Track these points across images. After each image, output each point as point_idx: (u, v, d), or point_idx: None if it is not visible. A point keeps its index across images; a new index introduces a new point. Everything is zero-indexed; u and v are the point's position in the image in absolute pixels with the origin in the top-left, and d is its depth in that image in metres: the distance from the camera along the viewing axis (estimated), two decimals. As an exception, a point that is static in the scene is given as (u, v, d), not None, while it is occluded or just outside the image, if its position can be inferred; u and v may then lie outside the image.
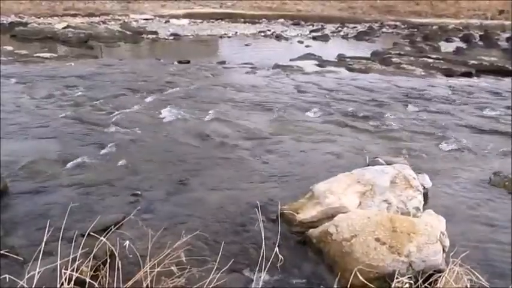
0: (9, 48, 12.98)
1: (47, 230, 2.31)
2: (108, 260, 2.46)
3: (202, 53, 14.84)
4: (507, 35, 18.72)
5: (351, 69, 10.95)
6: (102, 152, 4.57)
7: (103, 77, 8.90)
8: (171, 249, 2.45)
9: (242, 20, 25.77)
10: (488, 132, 5.64)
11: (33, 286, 2.11)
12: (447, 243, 2.64)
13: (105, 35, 16.98)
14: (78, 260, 2.26)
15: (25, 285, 2.13)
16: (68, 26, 17.94)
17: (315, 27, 23.23)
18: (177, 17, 25.41)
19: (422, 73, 10.46)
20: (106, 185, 3.77)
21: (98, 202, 3.46)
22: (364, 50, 15.13)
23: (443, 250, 2.59)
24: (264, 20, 26.02)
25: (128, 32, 18.31)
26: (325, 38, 19.54)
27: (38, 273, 2.13)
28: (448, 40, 18.30)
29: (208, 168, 4.25)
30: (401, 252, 2.46)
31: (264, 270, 2.43)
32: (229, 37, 20.10)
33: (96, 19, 23.46)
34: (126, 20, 23.30)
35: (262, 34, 20.89)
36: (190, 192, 3.69)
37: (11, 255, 2.58)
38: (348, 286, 2.39)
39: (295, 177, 4.05)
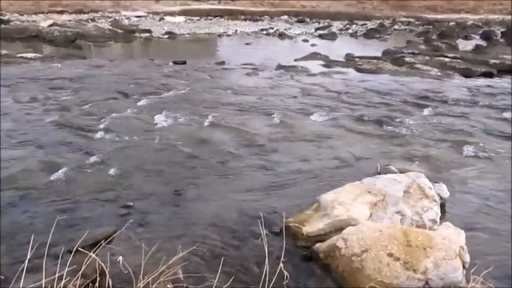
0: (-10, 48, 13.13)
1: (31, 245, 2.32)
2: (98, 278, 2.46)
3: (200, 53, 14.94)
4: (531, 31, 18.79)
5: (360, 70, 11.00)
6: (91, 160, 4.60)
7: (92, 79, 8.96)
8: (166, 265, 2.46)
9: (242, 17, 25.97)
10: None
11: (17, 306, 2.11)
12: (467, 258, 2.64)
13: (94, 34, 17.13)
14: (65, 279, 2.27)
15: (8, 306, 2.14)
16: (54, 24, 18.11)
17: (321, 25, 23.39)
18: (172, 14, 25.62)
19: (439, 74, 10.50)
20: (95, 196, 3.78)
21: (87, 215, 3.47)
22: (374, 49, 15.20)
23: (463, 266, 2.58)
24: (266, 17, 26.21)
25: (119, 31, 18.47)
26: (332, 36, 19.66)
27: (22, 292, 2.13)
28: (466, 37, 18.39)
29: (206, 177, 4.27)
30: (417, 268, 2.46)
31: (268, 288, 2.44)
32: (228, 36, 20.23)
33: (85, 16, 23.69)
34: (117, 18, 23.52)
35: (264, 32, 21.02)
36: (187, 204, 3.71)
37: (-8, 272, 2.59)
38: (359, 305, 2.38)
39: (301, 186, 4.06)
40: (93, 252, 2.49)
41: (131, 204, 3.65)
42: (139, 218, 3.41)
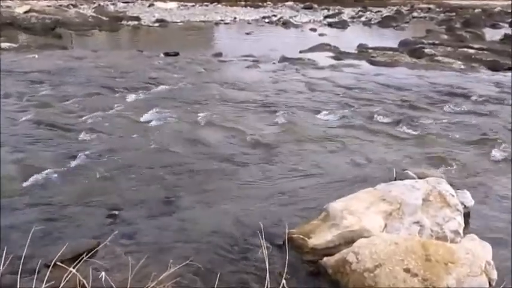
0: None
1: (3, 258, 2.32)
2: (79, 296, 2.47)
3: (194, 44, 14.98)
4: None
5: (374, 63, 11.01)
6: (73, 163, 4.61)
7: (74, 72, 8.99)
8: (156, 282, 2.46)
9: (242, 3, 26.04)
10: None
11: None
12: (494, 275, 2.63)
13: (76, 21, 17.20)
14: (42, 296, 2.27)
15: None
16: (30, 10, 18.16)
17: (330, 12, 23.46)
18: (163, -1, 25.71)
19: (462, 67, 10.51)
20: (77, 204, 3.79)
21: (67, 225, 3.47)
22: (390, 39, 15.23)
23: (490, 284, 2.58)
24: (268, 3, 26.27)
25: (103, 18, 18.54)
26: (342, 25, 19.72)
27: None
28: (493, 26, 18.42)
29: (200, 183, 4.27)
30: (438, 286, 2.46)
31: (269, 307, 2.43)
32: (226, 24, 20.28)
33: (66, 2, 23.77)
34: (101, 3, 23.61)
35: (267, 20, 21.07)
36: (179, 212, 3.71)
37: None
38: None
39: (306, 194, 4.07)
40: (74, 267, 2.49)
41: (117, 213, 3.65)
42: (125, 229, 3.41)
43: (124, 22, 18.72)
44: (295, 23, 20.29)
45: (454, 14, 22.47)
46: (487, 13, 22.05)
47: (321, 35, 16.66)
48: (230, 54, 11.98)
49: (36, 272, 2.43)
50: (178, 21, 19.88)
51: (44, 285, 2.31)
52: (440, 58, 11.35)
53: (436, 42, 13.57)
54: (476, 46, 12.62)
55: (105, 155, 4.86)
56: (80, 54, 11.18)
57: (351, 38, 15.26)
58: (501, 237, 3.39)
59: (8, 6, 19.77)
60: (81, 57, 10.83)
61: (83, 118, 6.08)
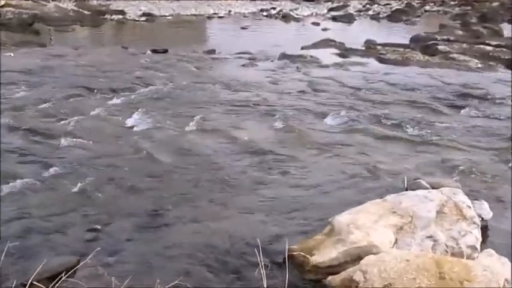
0: None
1: (-25, 278, 2.32)
2: (57, 319, 2.46)
3: (185, 40, 15.00)
4: None
5: (383, 61, 11.05)
6: (51, 172, 4.60)
7: (52, 71, 8.98)
8: (141, 304, 2.46)
9: (238, -6, 26.14)
10: None
11: None
12: (514, 294, 2.64)
13: (56, 16, 17.22)
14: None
15: None
16: (6, 5, 18.18)
17: (335, 4, 23.59)
18: (151, -9, 25.77)
19: (479, 65, 10.55)
20: (55, 217, 3.78)
21: (45, 240, 3.46)
22: (400, 35, 15.30)
23: (509, 304, 2.59)
24: (267, -6, 26.39)
25: (85, 12, 18.57)
26: (348, 19, 19.82)
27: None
28: (512, 21, 18.51)
29: (191, 194, 4.27)
30: (452, 307, 2.46)
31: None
32: (220, 18, 20.34)
33: (44, -5, 23.80)
34: (83, -4, 23.64)
35: (265, 13, 21.17)
36: (168, 227, 3.71)
37: None
38: None
39: (308, 205, 4.07)
40: (52, 287, 2.49)
41: (99, 227, 3.64)
42: (108, 245, 3.40)
43: (107, 16, 18.75)
44: (296, 16, 20.38)
45: (469, 7, 22.60)
46: (505, 7, 22.16)
47: (324, 29, 16.72)
48: (224, 51, 12.00)
49: (11, 292, 2.43)
50: (166, 14, 19.93)
51: (18, 308, 2.30)
52: (455, 56, 11.40)
53: (451, 38, 13.63)
54: (493, 43, 12.67)
55: (86, 163, 4.86)
56: (59, 52, 11.17)
57: (357, 33, 15.33)
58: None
59: (-20, 0, 19.79)
60: (61, 55, 10.82)
61: (62, 122, 6.07)
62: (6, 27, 15.60)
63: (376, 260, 2.78)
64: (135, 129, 5.95)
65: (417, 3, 24.26)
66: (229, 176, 4.65)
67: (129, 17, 19.04)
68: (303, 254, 3.09)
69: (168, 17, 19.54)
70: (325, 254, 3.04)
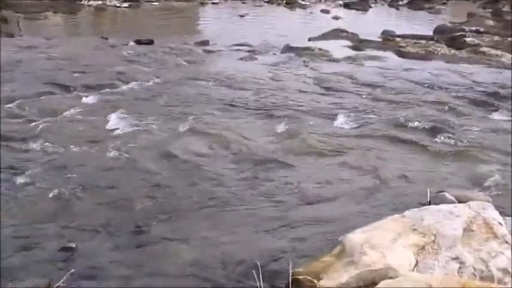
0: None
1: None
2: None
3: (174, 29, 15.03)
4: None
5: (402, 55, 11.09)
6: (19, 180, 4.60)
7: (21, 65, 8.98)
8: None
9: (235, -23, 26.22)
10: None
11: None
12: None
13: (26, 2, 17.23)
14: None
15: None
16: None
17: (347, -11, 23.62)
18: (134, -28, 25.85)
19: (513, 60, 10.59)
20: (23, 234, 3.77)
21: (11, 259, 3.46)
22: (423, 25, 15.35)
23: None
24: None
25: (58, -4, 18.62)
26: (363, 6, 19.87)
27: None
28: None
29: (180, 208, 4.27)
30: None
31: None
32: (215, 3, 20.41)
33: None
34: (55, -22, 23.71)
35: (266, -1, 21.20)
36: (152, 246, 3.71)
37: None
38: None
39: (315, 222, 4.08)
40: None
41: (73, 245, 3.64)
42: (84, 266, 3.40)
43: (84, 2, 18.80)
44: (302, 2, 20.44)
45: (503, -7, 22.65)
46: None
47: (335, 18, 16.79)
48: (219, 42, 12.04)
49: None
50: (153, 0, 19.99)
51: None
52: (485, 49, 11.43)
53: (480, 29, 13.68)
54: (531, 34, 12.71)
55: (59, 171, 4.86)
56: (29, 43, 11.20)
57: (373, 23, 15.40)
58: None
59: None
60: (31, 46, 10.84)
61: (32, 124, 6.07)
62: (-33, 15, 15.65)
63: (394, 285, 2.79)
64: (115, 132, 5.96)
65: (443, -12, 24.32)
66: (223, 187, 4.66)
67: (110, 2, 19.10)
68: (309, 278, 3.10)
69: (155, 3, 19.61)
70: (334, 278, 3.04)
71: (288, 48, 11.16)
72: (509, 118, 6.84)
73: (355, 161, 5.32)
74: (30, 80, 8.08)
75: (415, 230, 3.31)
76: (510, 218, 3.84)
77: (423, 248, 3.23)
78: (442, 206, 3.63)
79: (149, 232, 3.88)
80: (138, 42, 11.60)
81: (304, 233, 3.93)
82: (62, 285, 2.91)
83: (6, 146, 5.45)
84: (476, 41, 12.10)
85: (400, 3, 20.94)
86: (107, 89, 7.71)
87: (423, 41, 12.29)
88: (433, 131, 6.21)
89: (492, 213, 3.50)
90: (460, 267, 3.15)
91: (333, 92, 7.93)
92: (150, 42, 11.64)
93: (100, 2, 18.94)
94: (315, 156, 5.43)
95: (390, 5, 20.67)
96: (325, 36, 12.86)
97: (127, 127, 6.10)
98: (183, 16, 17.85)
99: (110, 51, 10.69)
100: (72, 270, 3.19)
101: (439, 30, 13.79)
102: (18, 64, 9.10)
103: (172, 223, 4.03)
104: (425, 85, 8.39)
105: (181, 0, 20.20)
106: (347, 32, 13.29)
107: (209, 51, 11.19)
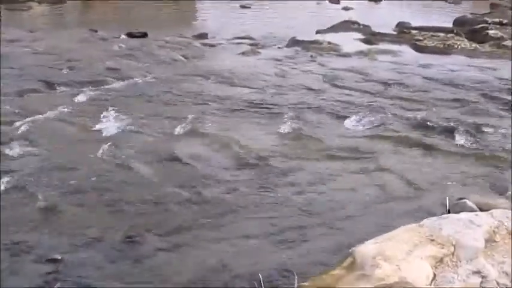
0: None
1: None
2: None
3: (169, 21, 15.05)
4: None
5: (419, 49, 11.06)
6: (1, 186, 4.59)
7: (2, 60, 8.96)
8: None
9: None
10: None
11: None
12: None
13: (6, -9, 17.29)
14: None
15: None
16: None
17: (359, -23, 23.61)
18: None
19: (541, 55, 10.56)
20: (4, 243, 3.76)
21: (-10, 273, 3.47)
22: (441, 16, 15.32)
23: None
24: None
25: (44, -15, 18.67)
26: (376, -5, 19.85)
27: None
28: None
29: (175, 217, 4.27)
30: None
31: None
32: (214, -7, 20.39)
33: (-9, -37, 23.95)
34: (41, -35, 23.76)
35: (271, -12, 21.19)
36: (146, 258, 3.70)
37: None
38: None
39: (323, 231, 4.08)
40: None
41: (59, 257, 3.64)
42: (71, 279, 3.40)
43: (72, -9, 18.82)
44: (310, -8, 20.42)
45: (529, -19, 22.62)
46: None
47: (345, 9, 16.78)
48: (219, 35, 12.06)
49: None
50: (147, -11, 20.01)
51: None
52: (509, 43, 11.39)
53: (504, 21, 13.62)
54: (560, 27, 12.68)
55: (43, 176, 4.87)
56: (11, 36, 11.21)
57: (387, 14, 15.38)
58: None
59: None
60: (13, 40, 10.86)
61: (15, 125, 6.08)
62: None
63: (410, 301, 2.78)
64: (105, 134, 5.97)
65: (463, -24, 24.30)
66: (223, 195, 4.66)
67: (99, -9, 19.12)
68: (316, 293, 3.10)
69: (148, -8, 19.63)
70: (345, 294, 3.04)
71: (294, 42, 11.16)
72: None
73: (366, 165, 5.31)
74: (13, 77, 8.09)
75: (432, 240, 3.30)
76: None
77: (441, 260, 3.22)
78: (462, 215, 3.62)
79: (143, 243, 3.88)
80: (131, 35, 11.62)
81: (311, 243, 3.92)
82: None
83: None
84: (500, 34, 12.06)
85: (417, -8, 20.92)
86: (97, 87, 7.72)
87: (442, 34, 12.25)
88: (453, 133, 6.19)
89: (517, 223, 3.49)
90: (481, 282, 3.13)
91: (342, 90, 7.91)
92: (144, 35, 11.66)
93: (89, -9, 18.96)
94: (323, 160, 5.42)
95: (406, -6, 20.64)
96: (334, 29, 12.85)
97: (118, 128, 6.11)
98: (179, 6, 17.87)
99: (99, 45, 10.70)
100: (58, 284, 3.19)
101: (459, 22, 13.75)
102: (-1, 59, 9.12)
103: (168, 233, 4.03)
104: (444, 82, 8.36)
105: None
106: (358, 23, 13.28)
107: (208, 45, 11.20)
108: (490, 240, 3.32)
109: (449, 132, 6.23)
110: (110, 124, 6.21)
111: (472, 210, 3.92)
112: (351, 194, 4.72)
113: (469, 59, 10.10)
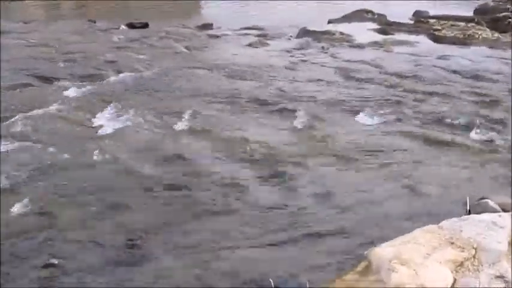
0: None
1: None
2: None
3: (172, 10, 15.07)
4: None
5: (437, 39, 11.04)
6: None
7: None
8: None
9: None
10: None
11: None
12: None
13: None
14: None
15: None
16: None
17: (373, -37, 23.56)
18: None
19: None
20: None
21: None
22: (461, 4, 15.24)
23: None
24: None
25: (38, -27, 18.74)
26: (392, -18, 19.80)
27: None
28: None
29: (178, 218, 4.28)
30: None
31: None
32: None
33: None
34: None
35: (280, -25, 21.16)
36: (147, 262, 3.71)
37: None
38: None
39: (336, 233, 4.07)
40: None
41: (55, 261, 3.65)
42: (69, 286, 3.41)
43: (68, -21, 18.88)
44: (321, -22, 20.40)
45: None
46: None
47: (359, -3, 16.69)
48: (224, 25, 12.06)
49: None
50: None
51: None
52: (535, 32, 11.35)
53: (529, 8, 13.57)
54: None
55: (38, 174, 4.88)
56: (5, 28, 11.26)
57: (403, 2, 15.29)
58: None
59: None
60: (6, 31, 10.90)
61: (8, 122, 6.10)
62: None
63: (428, 307, 2.78)
64: (104, 130, 5.98)
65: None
66: (229, 195, 4.66)
67: (97, -21, 19.18)
68: (329, 299, 3.10)
69: (149, -20, 19.66)
70: (359, 300, 3.04)
71: (305, 32, 11.15)
72: None
73: (382, 164, 5.30)
74: (6, 70, 8.11)
75: (452, 243, 3.29)
76: None
77: (462, 264, 3.21)
78: (484, 216, 3.61)
79: (142, 246, 3.89)
80: (131, 25, 11.65)
81: (324, 246, 3.92)
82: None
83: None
84: (524, 23, 12.02)
85: (435, -22, 20.86)
86: (95, 80, 7.74)
87: (461, 23, 12.21)
88: (473, 129, 6.17)
89: (543, 224, 3.47)
90: (505, 287, 3.13)
91: (356, 83, 7.91)
92: (145, 25, 11.69)
93: (87, -20, 19.01)
94: (335, 158, 5.41)
95: (423, -19, 20.59)
96: (347, 18, 12.83)
97: (117, 124, 6.12)
98: (182, -5, 17.90)
99: (98, 37, 10.74)
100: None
101: (481, 11, 13.70)
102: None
103: (171, 236, 4.03)
104: (464, 74, 8.34)
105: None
106: (373, 12, 13.25)
107: (213, 36, 11.21)
108: (513, 243, 3.30)
109: (469, 127, 6.20)
110: (108, 120, 6.24)
111: (494, 211, 3.91)
112: (362, 192, 4.71)
113: (490, 50, 10.07)
